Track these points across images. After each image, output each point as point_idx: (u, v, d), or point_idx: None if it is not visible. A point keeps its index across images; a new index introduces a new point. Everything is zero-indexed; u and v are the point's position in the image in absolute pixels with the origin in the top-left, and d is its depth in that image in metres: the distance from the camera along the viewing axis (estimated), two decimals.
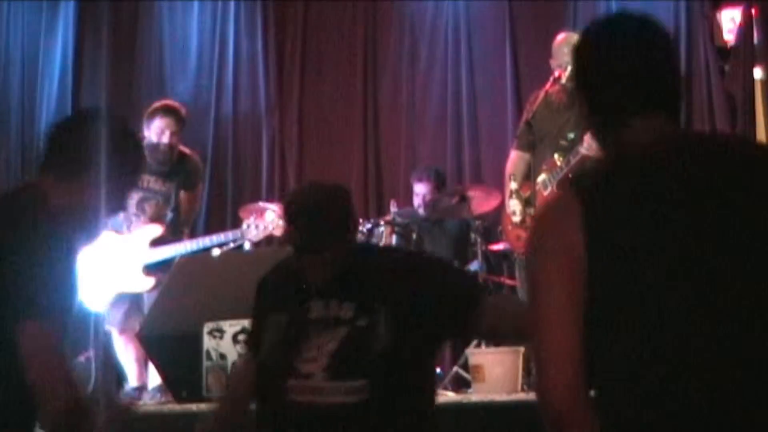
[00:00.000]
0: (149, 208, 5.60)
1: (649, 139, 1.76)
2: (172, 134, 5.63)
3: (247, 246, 5.96)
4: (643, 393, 1.63)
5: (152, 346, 4.65)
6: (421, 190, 6.45)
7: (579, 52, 1.86)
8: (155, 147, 5.56)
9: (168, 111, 5.67)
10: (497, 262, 6.19)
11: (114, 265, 5.46)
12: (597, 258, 1.67)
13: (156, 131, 5.58)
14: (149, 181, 5.59)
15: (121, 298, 5.49)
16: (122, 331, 5.50)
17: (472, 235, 5.96)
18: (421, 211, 6.30)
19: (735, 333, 1.61)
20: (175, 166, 5.72)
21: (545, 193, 5.33)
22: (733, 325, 1.62)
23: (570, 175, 5.02)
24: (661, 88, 1.81)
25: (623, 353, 1.65)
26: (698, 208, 1.67)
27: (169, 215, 5.76)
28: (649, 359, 1.63)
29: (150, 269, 5.54)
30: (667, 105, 1.82)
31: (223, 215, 7.68)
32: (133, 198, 5.51)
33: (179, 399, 4.49)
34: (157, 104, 5.81)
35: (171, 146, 5.64)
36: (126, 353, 5.50)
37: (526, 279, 1.85)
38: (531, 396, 4.13)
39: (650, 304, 1.64)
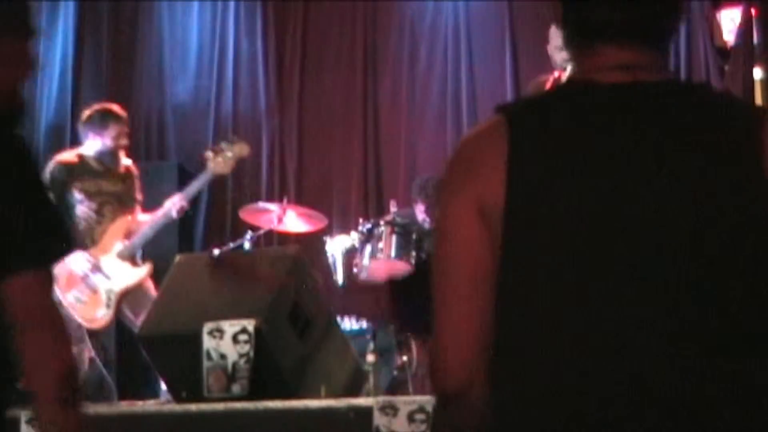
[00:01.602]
0: (108, 212, 5.60)
1: (612, 76, 1.50)
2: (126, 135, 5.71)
3: (247, 246, 5.97)
4: (534, 378, 1.44)
5: (152, 346, 4.64)
6: (420, 210, 6.41)
7: None
8: (112, 151, 5.61)
9: (119, 116, 5.71)
10: None
11: (104, 277, 5.48)
12: (515, 209, 1.44)
13: (112, 135, 5.59)
14: (102, 185, 5.61)
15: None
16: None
17: None
18: (426, 225, 6.25)
19: (644, 315, 1.40)
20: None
21: None
22: (648, 307, 1.40)
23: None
24: (647, 14, 1.52)
25: (522, 325, 1.46)
26: (628, 180, 1.42)
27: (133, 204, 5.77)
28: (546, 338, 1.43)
29: (136, 257, 5.61)
30: (651, 37, 1.53)
31: (222, 215, 7.68)
32: (92, 206, 5.53)
33: (179, 399, 4.48)
34: (102, 108, 5.79)
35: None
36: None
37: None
38: None
39: (554, 274, 1.43)
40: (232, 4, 8.13)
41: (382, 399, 4.06)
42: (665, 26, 1.55)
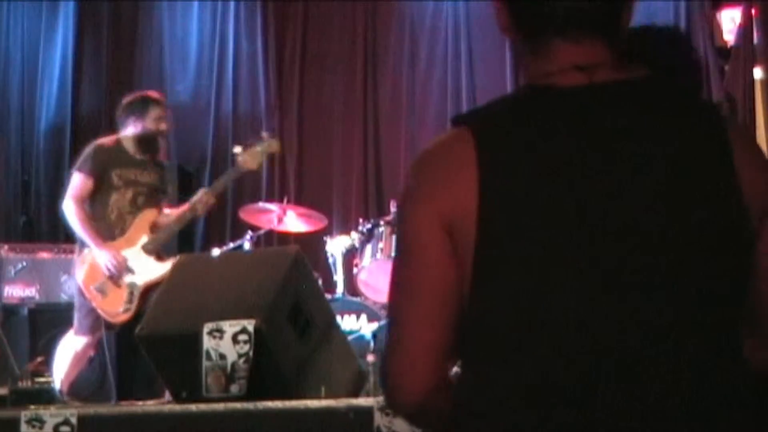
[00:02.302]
0: (141, 203, 5.57)
1: (569, 78, 1.44)
2: (168, 121, 5.69)
3: (247, 246, 5.97)
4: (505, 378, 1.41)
5: (151, 346, 4.64)
6: None
7: None
8: (152, 136, 5.58)
9: (159, 100, 5.70)
10: None
11: (128, 271, 5.46)
12: (489, 218, 1.39)
13: (153, 117, 5.58)
14: (139, 174, 5.58)
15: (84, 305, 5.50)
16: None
17: None
18: None
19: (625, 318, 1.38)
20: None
21: None
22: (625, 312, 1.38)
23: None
24: (600, 3, 1.46)
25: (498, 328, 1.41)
26: (597, 185, 1.39)
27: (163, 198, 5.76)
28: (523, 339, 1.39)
29: (162, 253, 5.58)
30: (605, 29, 1.47)
31: (223, 215, 7.68)
32: (127, 195, 5.51)
33: (179, 399, 4.48)
34: (142, 93, 5.79)
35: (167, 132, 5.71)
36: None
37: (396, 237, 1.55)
38: None
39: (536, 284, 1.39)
40: (232, 4, 8.14)
41: (382, 399, 4.06)
42: (618, 17, 1.48)
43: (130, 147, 5.55)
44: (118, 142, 5.57)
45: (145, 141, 5.55)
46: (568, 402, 1.37)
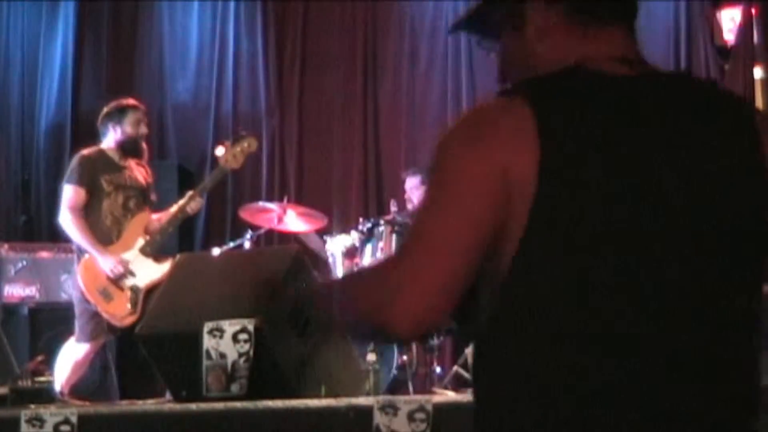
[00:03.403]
0: (133, 206, 5.61)
1: (616, 65, 1.45)
2: (146, 124, 5.75)
3: (247, 245, 5.97)
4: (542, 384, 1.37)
5: (151, 346, 4.64)
6: (409, 184, 6.47)
7: None
8: (133, 140, 5.63)
9: (135, 106, 5.75)
10: None
11: (129, 274, 5.48)
12: (548, 193, 1.34)
13: (131, 122, 5.62)
14: (127, 179, 5.61)
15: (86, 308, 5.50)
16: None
17: None
18: (409, 206, 6.29)
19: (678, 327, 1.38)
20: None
21: None
22: (675, 320, 1.38)
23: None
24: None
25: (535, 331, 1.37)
26: (655, 173, 1.38)
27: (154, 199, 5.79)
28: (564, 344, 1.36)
29: (159, 253, 5.60)
30: (631, 17, 1.51)
31: (223, 215, 7.69)
32: (119, 199, 5.54)
33: (179, 399, 4.48)
34: (117, 101, 5.81)
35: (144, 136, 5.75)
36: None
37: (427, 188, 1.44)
38: None
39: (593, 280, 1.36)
40: (232, 4, 8.14)
41: (382, 398, 4.06)
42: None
43: (113, 155, 5.62)
44: (101, 152, 5.64)
45: (128, 146, 5.63)
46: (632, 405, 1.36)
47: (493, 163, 1.35)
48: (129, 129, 5.63)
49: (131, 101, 5.82)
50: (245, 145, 5.70)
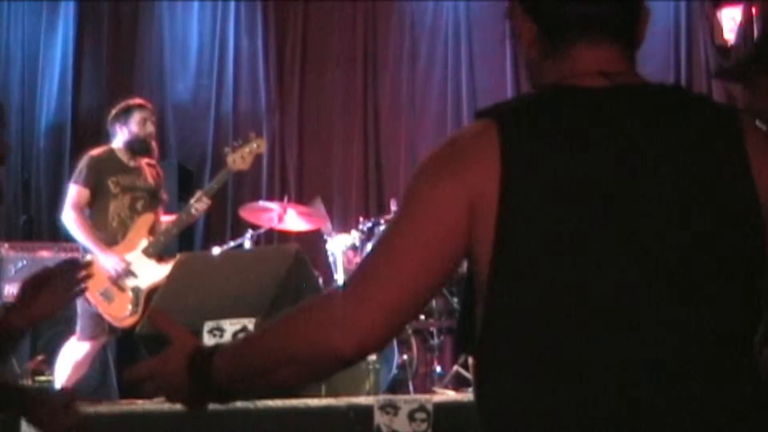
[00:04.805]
0: (141, 207, 5.61)
1: (593, 79, 1.46)
2: (153, 123, 5.74)
3: (247, 244, 5.97)
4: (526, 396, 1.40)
5: (151, 345, 4.64)
6: None
7: None
8: (142, 140, 5.63)
9: (142, 105, 5.75)
10: None
11: (131, 275, 5.48)
12: (511, 208, 1.38)
13: (137, 121, 5.63)
14: (135, 180, 5.62)
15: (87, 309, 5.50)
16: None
17: None
18: None
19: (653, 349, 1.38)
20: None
21: None
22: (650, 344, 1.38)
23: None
24: (620, 8, 1.50)
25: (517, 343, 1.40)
26: (639, 188, 1.40)
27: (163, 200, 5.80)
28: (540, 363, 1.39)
29: (162, 255, 5.60)
30: (620, 33, 1.51)
31: (223, 215, 7.68)
32: (126, 201, 5.55)
33: None
34: (124, 102, 5.82)
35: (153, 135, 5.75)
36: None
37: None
38: None
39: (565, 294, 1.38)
40: (232, 4, 8.14)
41: (382, 398, 4.06)
42: (634, 25, 1.52)
43: (122, 155, 5.63)
44: (111, 152, 5.64)
45: (136, 146, 5.63)
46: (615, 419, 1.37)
47: (457, 190, 1.40)
48: (135, 128, 5.64)
49: (138, 100, 5.83)
50: (254, 146, 5.71)
